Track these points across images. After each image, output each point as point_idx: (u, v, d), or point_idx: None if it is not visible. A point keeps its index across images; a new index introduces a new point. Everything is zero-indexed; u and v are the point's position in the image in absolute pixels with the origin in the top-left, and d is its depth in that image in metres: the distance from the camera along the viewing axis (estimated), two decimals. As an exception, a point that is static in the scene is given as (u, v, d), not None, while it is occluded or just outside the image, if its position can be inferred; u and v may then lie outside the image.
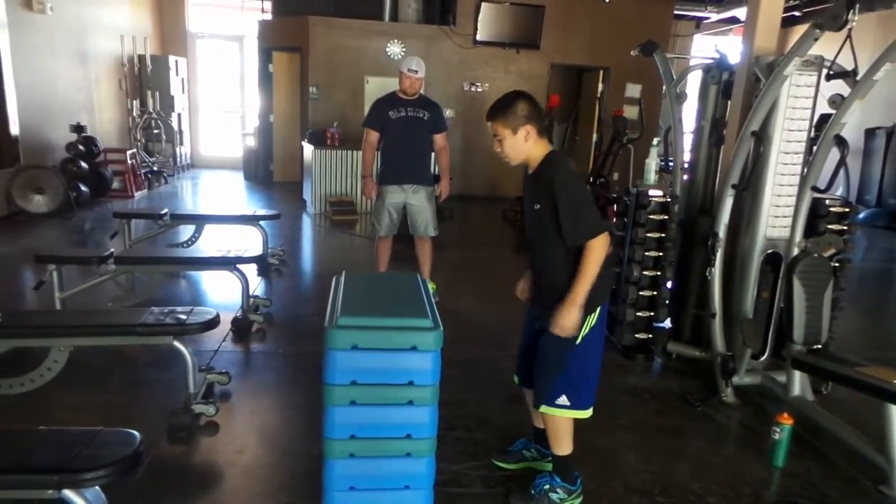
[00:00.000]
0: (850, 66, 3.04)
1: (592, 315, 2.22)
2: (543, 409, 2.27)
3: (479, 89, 9.81)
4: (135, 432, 1.85)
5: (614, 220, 4.15)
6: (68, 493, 1.69)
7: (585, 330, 2.21)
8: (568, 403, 2.24)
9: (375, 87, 8.79)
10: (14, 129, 6.91)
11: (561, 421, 2.29)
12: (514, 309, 4.91)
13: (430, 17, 9.61)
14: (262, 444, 2.77)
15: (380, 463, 2.00)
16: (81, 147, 7.67)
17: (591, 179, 8.58)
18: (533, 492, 2.34)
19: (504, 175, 9.98)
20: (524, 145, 2.18)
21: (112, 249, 4.00)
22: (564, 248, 2.15)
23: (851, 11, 2.68)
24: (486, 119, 2.24)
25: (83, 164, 7.59)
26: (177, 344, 2.82)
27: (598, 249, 2.10)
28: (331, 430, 1.95)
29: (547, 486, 2.33)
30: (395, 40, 9.32)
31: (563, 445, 2.32)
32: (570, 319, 2.12)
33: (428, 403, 1.98)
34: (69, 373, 2.95)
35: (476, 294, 5.19)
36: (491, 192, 9.77)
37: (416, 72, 4.31)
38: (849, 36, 2.93)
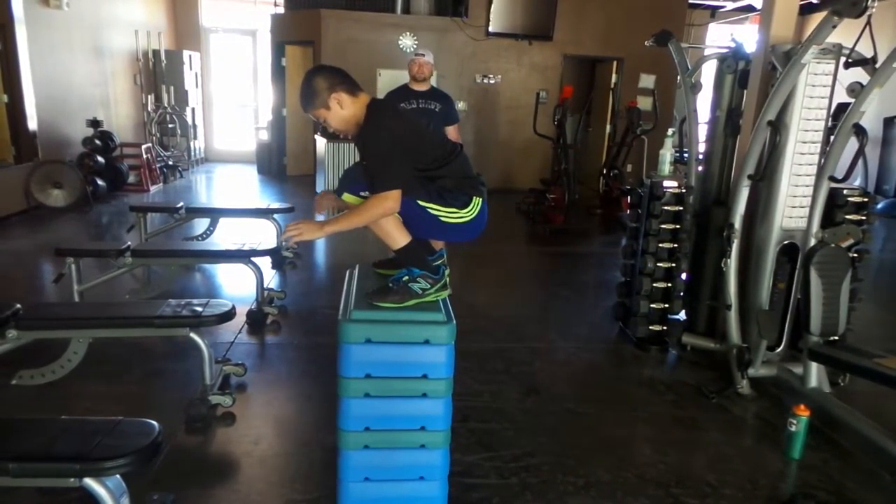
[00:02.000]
0: (869, 54, 2.99)
1: (449, 211, 2.11)
2: (345, 196, 2.16)
3: (492, 81, 9.76)
4: (154, 422, 1.88)
5: (628, 211, 4.12)
6: (89, 482, 1.73)
7: (434, 209, 2.09)
8: (365, 193, 2.09)
9: (388, 80, 8.78)
10: (32, 124, 7.00)
11: (370, 213, 2.03)
12: (527, 301, 4.94)
13: (443, 9, 9.57)
14: (277, 435, 2.81)
15: (394, 454, 2.02)
16: (98, 142, 7.75)
17: (605, 171, 8.55)
18: (391, 284, 2.11)
19: (517, 167, 9.96)
20: (343, 113, 2.09)
21: (129, 243, 4.05)
22: None
23: (871, -2, 2.63)
24: (304, 112, 2.17)
25: (100, 159, 7.67)
26: (193, 336, 2.85)
27: (375, 204, 1.99)
28: (345, 422, 1.97)
29: (406, 278, 2.10)
30: (408, 32, 9.29)
31: (393, 237, 2.08)
32: (309, 231, 2.05)
33: (442, 396, 1.99)
34: (89, 364, 3.00)
35: (489, 287, 5.19)
36: (504, 184, 9.74)
37: (424, 55, 4.32)
38: (868, 23, 2.88)
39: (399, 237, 2.09)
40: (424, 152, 2.14)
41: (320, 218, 2.32)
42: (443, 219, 2.12)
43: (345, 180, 2.24)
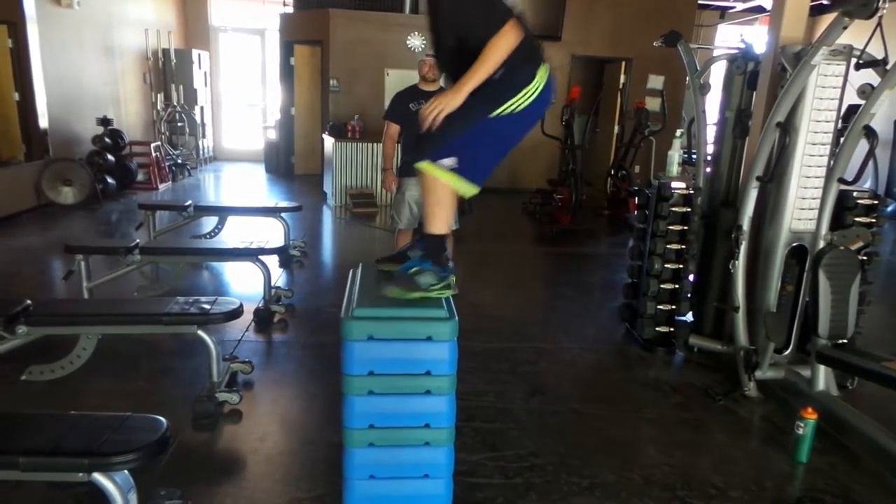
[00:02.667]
0: (880, 55, 2.97)
1: (520, 97, 1.99)
2: (425, 165, 1.98)
3: (500, 81, 9.75)
4: (161, 418, 1.90)
5: (636, 212, 4.11)
6: (98, 477, 1.74)
7: (507, 110, 1.98)
8: (455, 166, 1.97)
9: (396, 80, 8.79)
10: (43, 122, 7.06)
11: (441, 187, 2.00)
12: (533, 302, 4.93)
13: (451, 9, 9.56)
14: (283, 432, 2.82)
15: (399, 452, 2.02)
16: (108, 140, 7.81)
17: (612, 172, 8.52)
18: (398, 273, 2.10)
19: (524, 168, 9.94)
20: None
21: (137, 240, 4.08)
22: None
23: (882, -1, 2.62)
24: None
25: (109, 157, 7.73)
26: (201, 333, 2.87)
27: (500, 42, 1.91)
28: (350, 420, 1.97)
29: (415, 269, 2.06)
30: (416, 33, 9.30)
31: (437, 222, 2.05)
32: (447, 102, 1.93)
33: (445, 393, 1.99)
34: (97, 360, 3.03)
35: (495, 287, 5.19)
36: (511, 184, 9.73)
37: (434, 55, 4.31)
38: (879, 24, 2.86)
39: (441, 220, 2.05)
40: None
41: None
42: (518, 109, 1.97)
43: (412, 152, 2.13)
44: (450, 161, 1.97)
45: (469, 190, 2.03)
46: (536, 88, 2.01)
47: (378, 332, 1.93)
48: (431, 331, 1.94)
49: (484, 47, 1.92)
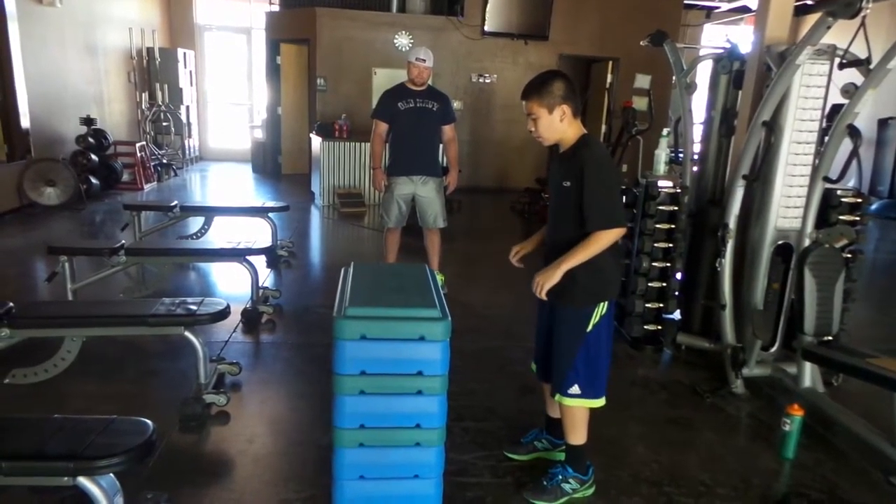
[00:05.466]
0: (863, 55, 3.00)
1: (602, 305, 2.23)
2: (558, 398, 2.31)
3: (488, 80, 9.77)
4: (147, 421, 1.87)
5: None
6: (83, 481, 1.72)
7: (595, 319, 2.22)
8: (579, 392, 2.26)
9: (383, 79, 8.76)
10: (25, 121, 6.96)
11: (576, 411, 2.30)
12: (522, 300, 4.92)
13: (438, 8, 9.57)
14: (272, 434, 2.80)
15: (389, 452, 2.01)
16: (91, 140, 7.71)
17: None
18: (545, 483, 2.35)
19: (512, 167, 9.96)
20: (559, 125, 2.17)
21: (123, 241, 4.03)
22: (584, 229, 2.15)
23: (865, -1, 2.65)
24: (521, 98, 2.21)
25: (93, 157, 7.64)
26: (188, 334, 2.84)
27: (604, 239, 2.11)
28: (340, 420, 1.96)
29: (560, 477, 2.35)
30: (403, 31, 9.28)
31: (577, 435, 2.34)
32: (548, 278, 2.13)
33: (437, 393, 1.98)
34: (82, 363, 2.98)
35: (485, 286, 5.19)
36: (499, 183, 9.76)
37: (424, 60, 4.30)
38: (862, 24, 2.89)
39: (580, 433, 2.33)
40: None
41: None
42: (598, 319, 2.26)
43: (554, 381, 2.36)
44: (574, 389, 2.26)
45: (596, 404, 2.31)
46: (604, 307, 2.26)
47: (370, 331, 1.93)
48: (424, 331, 1.94)
49: (590, 235, 2.11)
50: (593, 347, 2.25)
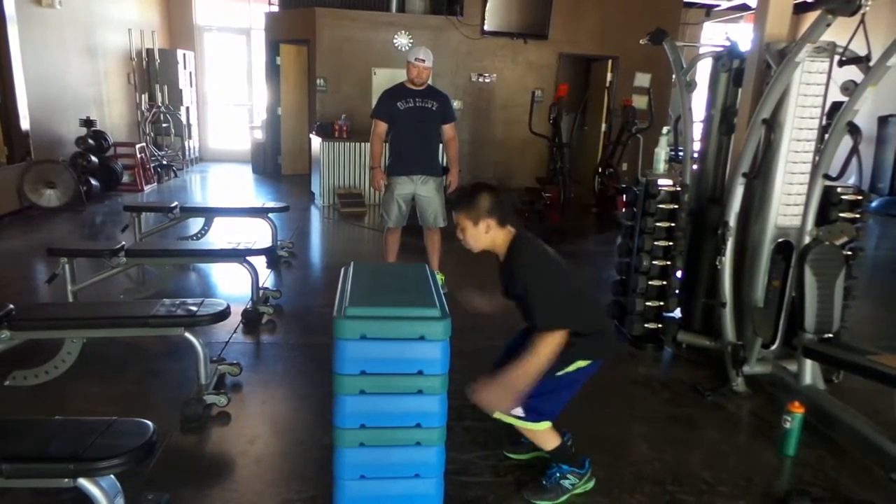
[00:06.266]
0: (863, 52, 3.00)
1: (585, 361, 2.23)
2: (497, 414, 2.22)
3: (488, 80, 9.77)
4: (148, 422, 1.87)
5: (623, 209, 4.12)
6: (83, 482, 1.72)
7: (570, 368, 2.20)
8: (521, 415, 2.21)
9: (383, 79, 8.77)
10: (25, 123, 6.97)
11: (525, 428, 2.28)
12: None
13: (438, 8, 9.56)
14: (273, 434, 2.80)
15: (390, 452, 2.01)
16: (91, 141, 7.72)
17: (600, 170, 8.56)
18: (544, 482, 2.35)
19: (513, 166, 9.97)
20: (485, 236, 2.22)
21: (123, 242, 4.03)
22: None
23: (865, -4, 2.64)
24: (452, 210, 2.28)
25: (93, 159, 7.64)
26: (188, 335, 2.84)
27: (547, 343, 2.03)
28: (341, 420, 1.96)
29: (558, 475, 2.35)
30: (403, 31, 9.28)
31: (546, 443, 2.32)
32: (494, 399, 2.08)
33: (437, 393, 1.98)
34: (83, 364, 2.99)
35: (485, 285, 5.17)
36: (500, 183, 9.73)
37: (424, 61, 4.30)
38: (862, 21, 2.88)
39: (549, 440, 2.31)
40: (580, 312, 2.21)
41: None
42: (577, 369, 2.23)
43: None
44: (518, 411, 2.20)
45: (536, 427, 2.26)
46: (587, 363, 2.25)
47: (371, 331, 1.93)
48: (424, 330, 1.94)
49: (534, 338, 2.06)
50: (555, 386, 2.18)
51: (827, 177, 3.21)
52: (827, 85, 3.19)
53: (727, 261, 3.37)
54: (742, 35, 4.14)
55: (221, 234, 5.63)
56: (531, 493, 2.34)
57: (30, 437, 1.82)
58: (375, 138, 4.50)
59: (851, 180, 3.67)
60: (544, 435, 2.30)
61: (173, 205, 5.18)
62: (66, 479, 1.71)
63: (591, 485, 2.40)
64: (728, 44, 3.75)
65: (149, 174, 8.96)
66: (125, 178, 8.51)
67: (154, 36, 10.37)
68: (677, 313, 3.98)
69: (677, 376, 3.50)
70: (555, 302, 2.12)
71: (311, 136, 8.97)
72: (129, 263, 4.07)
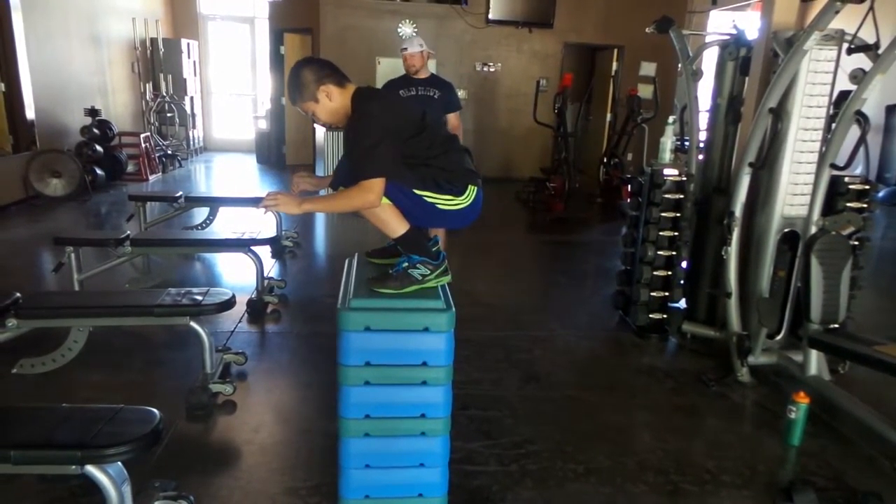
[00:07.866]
0: (871, 40, 2.97)
1: (461, 198, 2.11)
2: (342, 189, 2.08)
3: (492, 69, 9.71)
4: (154, 410, 1.89)
5: (629, 199, 4.11)
6: (91, 469, 1.73)
7: (430, 198, 2.07)
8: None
9: (387, 68, 8.74)
10: (30, 113, 6.97)
11: (377, 210, 2.04)
12: (527, 290, 4.93)
13: (442, -4, 9.50)
14: (278, 423, 2.81)
15: (395, 442, 2.02)
16: (96, 131, 7.71)
17: (605, 159, 8.52)
18: (391, 271, 2.10)
19: (517, 156, 9.93)
20: (331, 104, 2.07)
21: (128, 232, 4.04)
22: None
23: (874, -17, 2.61)
24: (292, 105, 2.14)
25: (98, 148, 7.64)
26: (193, 324, 2.85)
27: (354, 195, 1.96)
28: (346, 410, 1.97)
29: (406, 264, 2.09)
30: (407, 20, 9.22)
31: (393, 227, 2.06)
32: (286, 205, 2.01)
33: (442, 383, 1.99)
34: (89, 353, 3.01)
35: (489, 275, 5.19)
36: (504, 173, 9.71)
37: (406, 48, 4.31)
38: (871, 8, 2.85)
39: (397, 226, 2.06)
40: (420, 140, 2.09)
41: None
42: (439, 206, 2.10)
43: (339, 172, 2.21)
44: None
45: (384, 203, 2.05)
46: (463, 203, 2.13)
47: (375, 322, 1.93)
48: (428, 321, 1.94)
49: (350, 186, 1.98)
50: (415, 199, 2.05)
51: (834, 166, 3.19)
52: (835, 73, 3.16)
53: (733, 251, 3.36)
54: (749, 23, 4.10)
55: (226, 224, 5.64)
56: (374, 282, 2.07)
57: (37, 425, 1.83)
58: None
59: (859, 170, 3.64)
60: (392, 213, 2.04)
61: (178, 194, 5.18)
62: (74, 466, 1.72)
63: (447, 279, 2.15)
64: (735, 32, 3.71)
65: (153, 164, 8.96)
66: (130, 168, 8.51)
67: (158, 25, 10.33)
68: (682, 303, 3.97)
69: (682, 366, 3.50)
70: (373, 151, 1.95)
71: (315, 125, 8.95)
72: (135, 253, 4.08)
